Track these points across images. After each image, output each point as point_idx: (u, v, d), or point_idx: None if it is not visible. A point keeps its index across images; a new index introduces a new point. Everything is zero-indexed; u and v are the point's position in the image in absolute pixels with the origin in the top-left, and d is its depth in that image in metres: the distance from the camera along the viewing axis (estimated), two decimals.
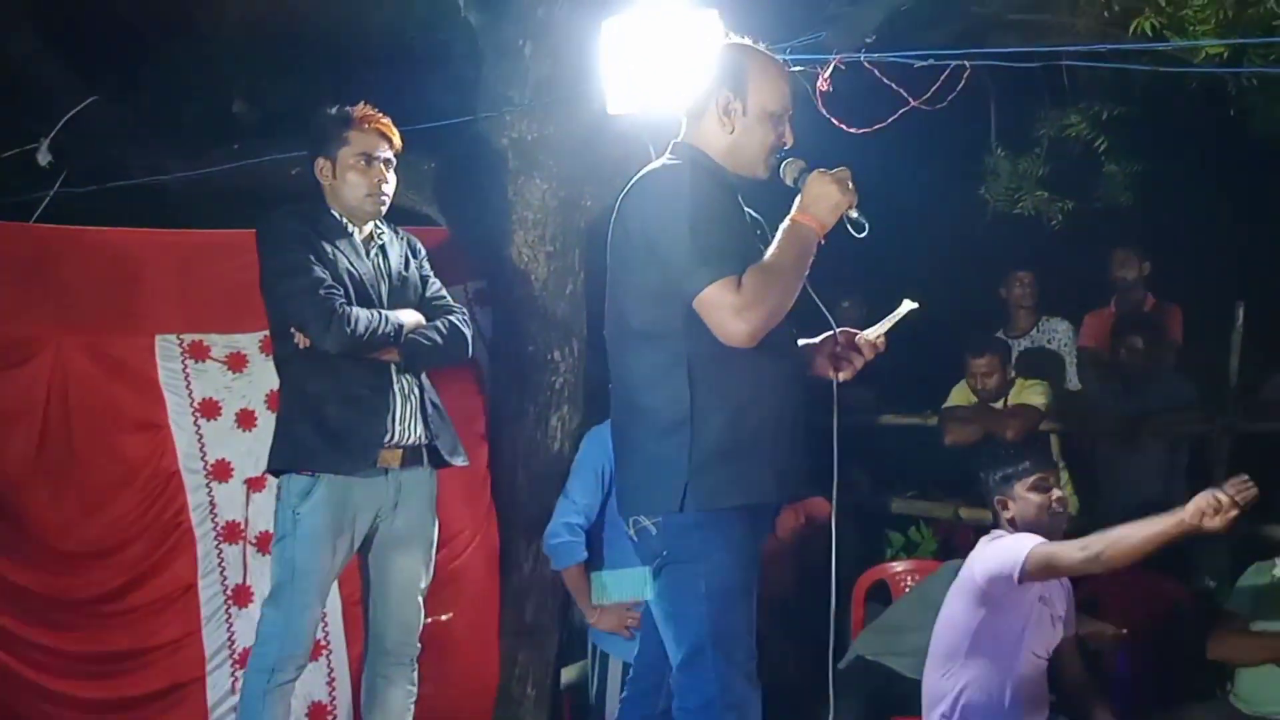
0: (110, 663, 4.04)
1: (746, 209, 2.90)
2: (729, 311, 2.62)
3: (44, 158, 4.64)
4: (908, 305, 2.97)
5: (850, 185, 2.76)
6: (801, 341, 2.98)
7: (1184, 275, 6.30)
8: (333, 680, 4.22)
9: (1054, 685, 3.94)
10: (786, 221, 2.76)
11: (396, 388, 3.48)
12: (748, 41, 2.95)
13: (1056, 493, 3.77)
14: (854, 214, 2.76)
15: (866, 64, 4.27)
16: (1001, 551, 3.64)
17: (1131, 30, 4.39)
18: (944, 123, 4.54)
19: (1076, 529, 3.77)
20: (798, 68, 4.25)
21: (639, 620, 4.12)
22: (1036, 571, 3.53)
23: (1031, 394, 5.45)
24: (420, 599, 3.60)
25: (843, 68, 4.28)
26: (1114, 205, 5.61)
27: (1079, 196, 5.43)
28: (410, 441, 3.51)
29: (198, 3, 5.24)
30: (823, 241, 2.76)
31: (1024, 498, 3.75)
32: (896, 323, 2.96)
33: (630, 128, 4.16)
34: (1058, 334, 6.13)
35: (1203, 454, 5.37)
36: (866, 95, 4.38)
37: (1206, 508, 3.26)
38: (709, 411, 2.70)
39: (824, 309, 2.85)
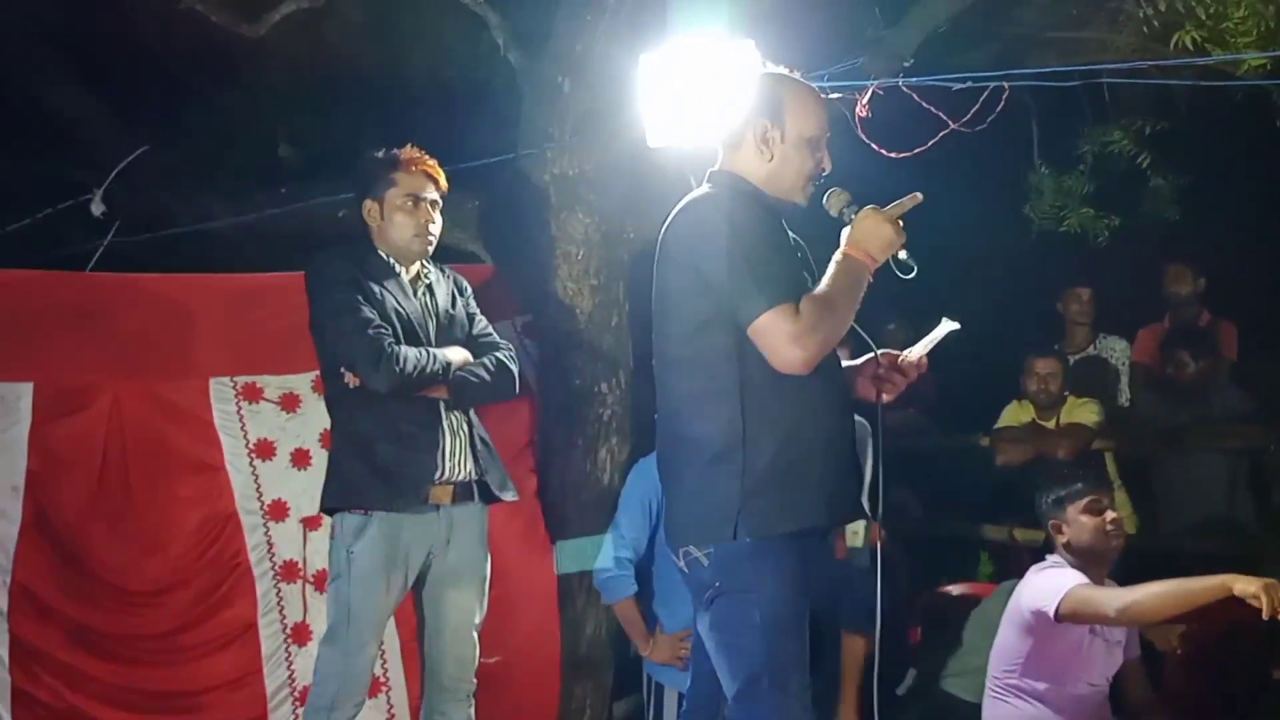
0: (174, 700, 4.09)
1: (790, 233, 2.91)
2: (787, 338, 2.62)
3: (97, 208, 4.74)
4: (948, 325, 2.97)
5: (901, 224, 2.77)
6: (844, 364, 2.98)
7: (1237, 289, 6.22)
8: (392, 717, 4.24)
9: (1120, 706, 3.89)
10: (839, 254, 2.76)
11: (445, 424, 3.50)
12: (784, 70, 2.96)
13: (1111, 515, 3.72)
14: (903, 255, 2.78)
15: (905, 88, 4.27)
16: (1043, 587, 3.63)
17: (1172, 44, 4.37)
18: (985, 143, 4.53)
19: (1138, 546, 3.74)
20: (836, 94, 4.26)
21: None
22: (1070, 615, 3.52)
23: (1083, 412, 5.40)
24: (475, 634, 3.61)
25: (881, 93, 4.28)
26: (1162, 220, 5.56)
27: (1125, 212, 5.39)
28: (460, 477, 3.53)
29: (241, 51, 5.33)
30: (871, 279, 2.76)
31: (1077, 520, 3.72)
32: (938, 342, 2.96)
33: (670, 159, 4.19)
34: (1115, 352, 6.07)
35: (1262, 469, 5.30)
36: (906, 119, 4.38)
37: (1269, 595, 3.21)
38: (760, 438, 2.69)
39: (862, 332, 2.83)
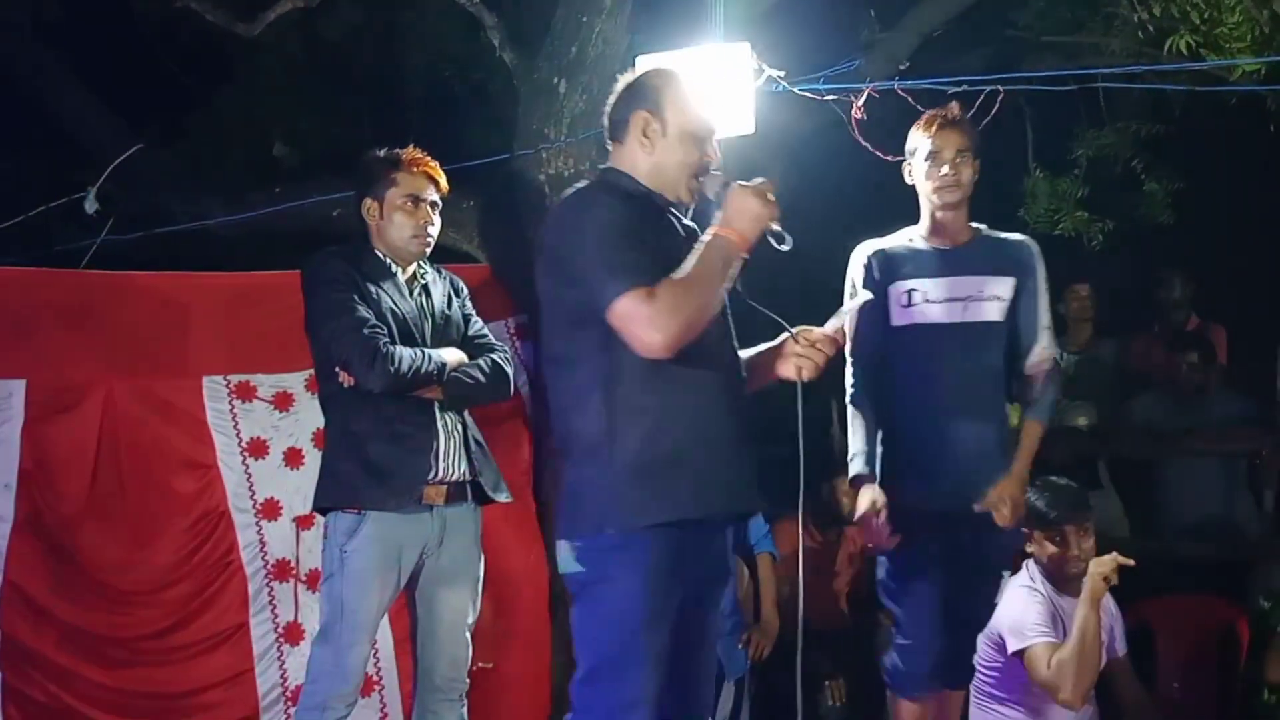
0: (166, 700, 4.09)
1: (687, 224, 2.85)
2: (642, 322, 2.58)
3: (91, 206, 4.73)
4: (864, 295, 2.93)
5: (771, 198, 2.72)
6: (760, 347, 2.91)
7: (1227, 294, 6.24)
8: (385, 716, 4.25)
9: (1110, 705, 3.93)
10: (707, 234, 2.72)
11: (439, 425, 3.50)
12: (668, 65, 2.91)
13: (1074, 551, 3.76)
14: (776, 227, 2.72)
15: (900, 91, 4.28)
16: (1012, 618, 3.73)
17: (1167, 49, 4.39)
18: (980, 146, 4.53)
19: (1130, 550, 3.77)
20: (831, 97, 4.27)
21: None
22: (1025, 664, 3.66)
23: (1077, 415, 5.41)
24: (468, 634, 3.61)
25: (877, 95, 4.29)
26: (1155, 224, 5.58)
27: (1119, 216, 5.40)
28: (454, 478, 3.52)
29: (237, 49, 5.33)
30: (747, 255, 2.71)
31: (1041, 544, 3.81)
32: (853, 314, 2.88)
33: None
34: (1109, 355, 6.08)
35: (1255, 472, 5.32)
36: (903, 121, 4.38)
37: (1106, 571, 3.57)
38: (626, 430, 2.65)
39: (773, 315, 2.78)
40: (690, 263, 2.66)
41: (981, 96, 4.26)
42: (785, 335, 2.87)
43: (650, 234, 2.71)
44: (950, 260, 3.51)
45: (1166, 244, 5.97)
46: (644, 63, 4.02)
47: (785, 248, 2.70)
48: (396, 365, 3.36)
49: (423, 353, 3.46)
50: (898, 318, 3.47)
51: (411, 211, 3.55)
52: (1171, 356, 5.45)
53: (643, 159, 2.81)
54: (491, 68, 4.95)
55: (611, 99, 2.90)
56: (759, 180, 2.75)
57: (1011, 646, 3.67)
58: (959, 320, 3.45)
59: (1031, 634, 3.65)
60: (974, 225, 3.62)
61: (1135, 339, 6.09)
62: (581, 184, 2.83)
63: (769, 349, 2.91)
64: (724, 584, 2.87)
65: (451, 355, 3.55)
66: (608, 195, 2.73)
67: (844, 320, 2.86)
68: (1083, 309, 6.04)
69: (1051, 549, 3.78)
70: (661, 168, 2.80)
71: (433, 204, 3.60)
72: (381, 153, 3.61)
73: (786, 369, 2.85)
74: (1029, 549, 3.85)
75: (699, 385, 2.69)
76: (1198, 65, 4.33)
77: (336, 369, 3.46)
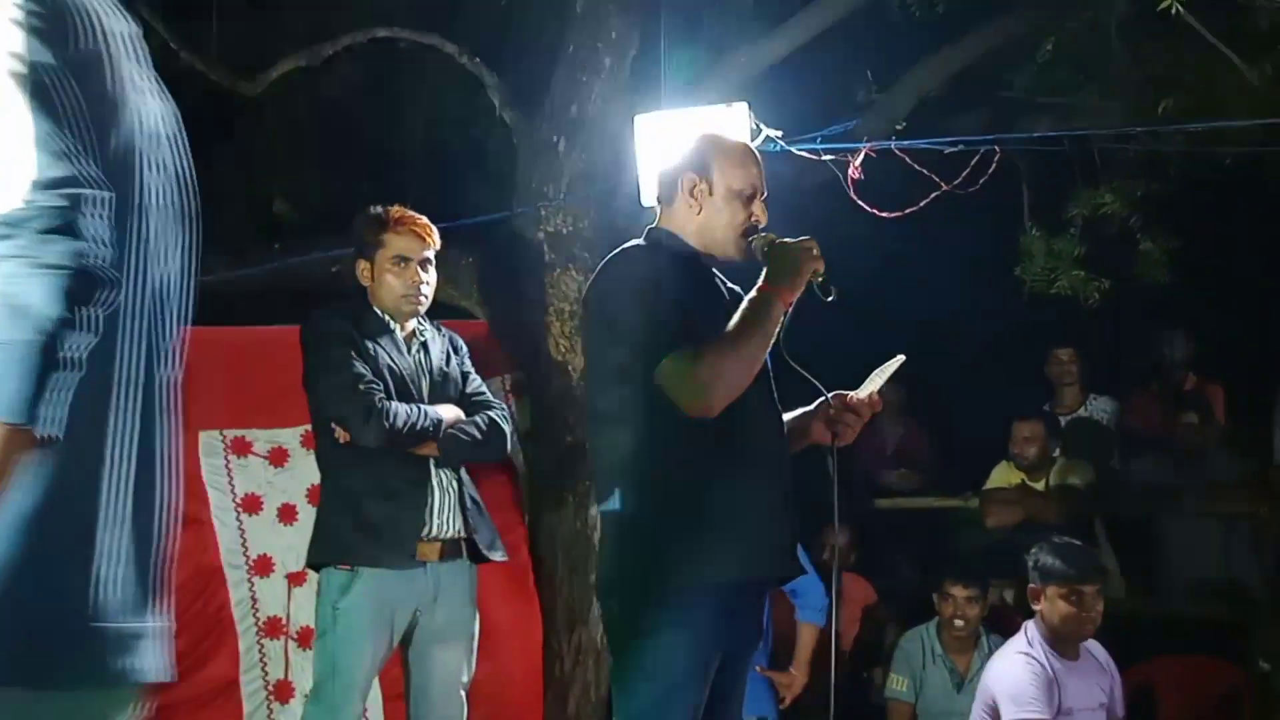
0: None
1: (730, 286, 2.89)
2: (687, 383, 2.59)
3: None
4: (898, 359, 2.88)
5: (815, 252, 2.72)
6: (797, 411, 2.92)
7: (1224, 353, 6.25)
8: None
9: None
10: (751, 292, 2.73)
11: (434, 482, 3.48)
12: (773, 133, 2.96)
13: (1089, 612, 3.72)
14: (819, 279, 2.72)
15: (897, 151, 4.32)
16: (1005, 687, 3.70)
17: (1160, 110, 4.43)
18: (977, 205, 4.56)
19: (1128, 610, 3.74)
20: (829, 156, 4.30)
21: None
22: None
23: (1073, 475, 5.39)
24: (462, 694, 3.58)
25: (874, 155, 4.32)
26: (1151, 283, 5.59)
27: (1116, 275, 5.42)
28: (448, 535, 3.50)
29: (239, 108, 5.37)
30: (788, 310, 2.71)
31: (1054, 602, 3.74)
32: (889, 377, 2.87)
33: None
34: (1106, 412, 6.08)
35: (1255, 532, 5.30)
36: (899, 181, 4.42)
37: None
38: (671, 492, 2.65)
39: (809, 376, 2.78)
40: (734, 322, 2.67)
41: (978, 156, 4.30)
42: (821, 400, 2.87)
43: (695, 294, 2.74)
44: None
45: (1163, 303, 5.99)
46: (643, 122, 4.08)
47: (830, 299, 2.71)
48: (392, 421, 3.36)
49: (419, 409, 3.45)
50: None
51: (400, 272, 3.54)
52: (1170, 416, 5.45)
53: (690, 220, 2.84)
54: (491, 126, 4.99)
55: (661, 164, 2.94)
56: (802, 238, 2.77)
57: (1008, 713, 3.62)
58: None
59: (1029, 710, 3.59)
60: None
61: (1133, 398, 6.08)
62: (629, 243, 2.85)
63: (805, 413, 2.91)
64: (755, 647, 2.88)
65: (448, 412, 3.54)
66: (654, 255, 2.78)
67: (877, 384, 2.86)
68: (1065, 372, 6.02)
69: (1065, 608, 3.70)
70: (708, 228, 2.83)
71: (423, 262, 3.57)
72: (372, 211, 3.60)
73: (822, 434, 2.87)
74: (1035, 606, 3.79)
75: (743, 446, 2.69)
76: (1192, 126, 4.37)
77: (333, 425, 3.45)
